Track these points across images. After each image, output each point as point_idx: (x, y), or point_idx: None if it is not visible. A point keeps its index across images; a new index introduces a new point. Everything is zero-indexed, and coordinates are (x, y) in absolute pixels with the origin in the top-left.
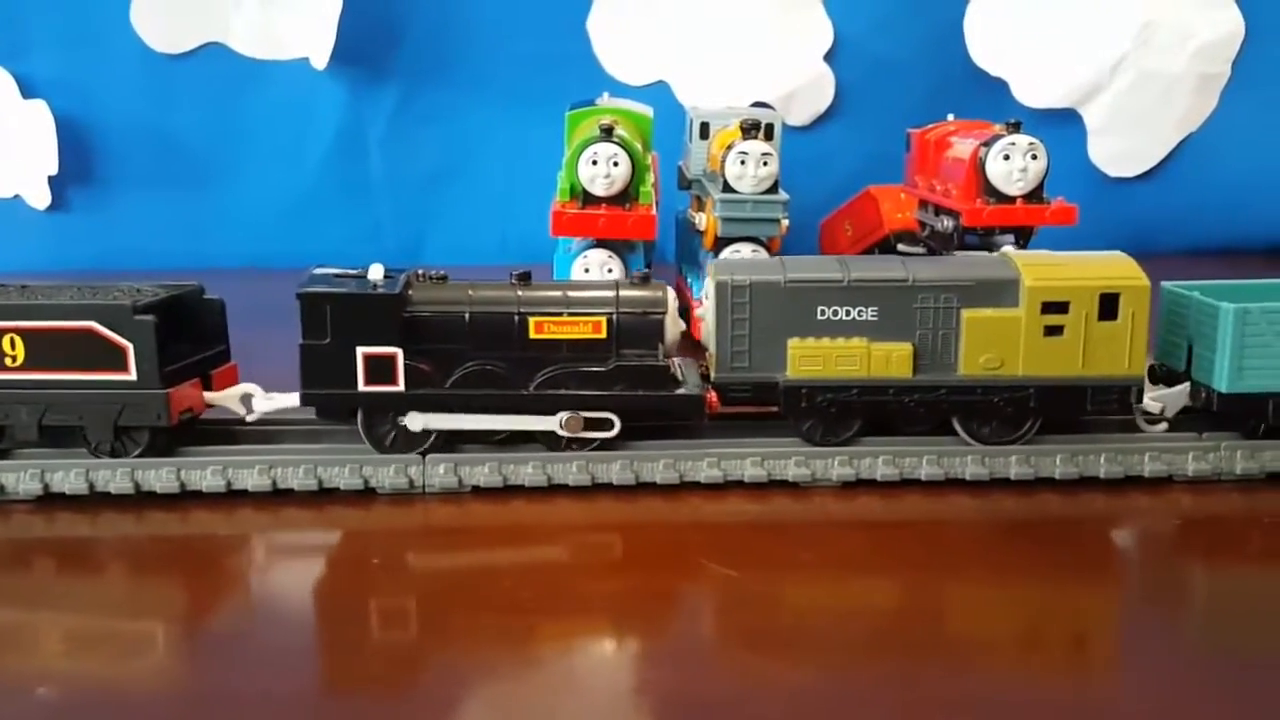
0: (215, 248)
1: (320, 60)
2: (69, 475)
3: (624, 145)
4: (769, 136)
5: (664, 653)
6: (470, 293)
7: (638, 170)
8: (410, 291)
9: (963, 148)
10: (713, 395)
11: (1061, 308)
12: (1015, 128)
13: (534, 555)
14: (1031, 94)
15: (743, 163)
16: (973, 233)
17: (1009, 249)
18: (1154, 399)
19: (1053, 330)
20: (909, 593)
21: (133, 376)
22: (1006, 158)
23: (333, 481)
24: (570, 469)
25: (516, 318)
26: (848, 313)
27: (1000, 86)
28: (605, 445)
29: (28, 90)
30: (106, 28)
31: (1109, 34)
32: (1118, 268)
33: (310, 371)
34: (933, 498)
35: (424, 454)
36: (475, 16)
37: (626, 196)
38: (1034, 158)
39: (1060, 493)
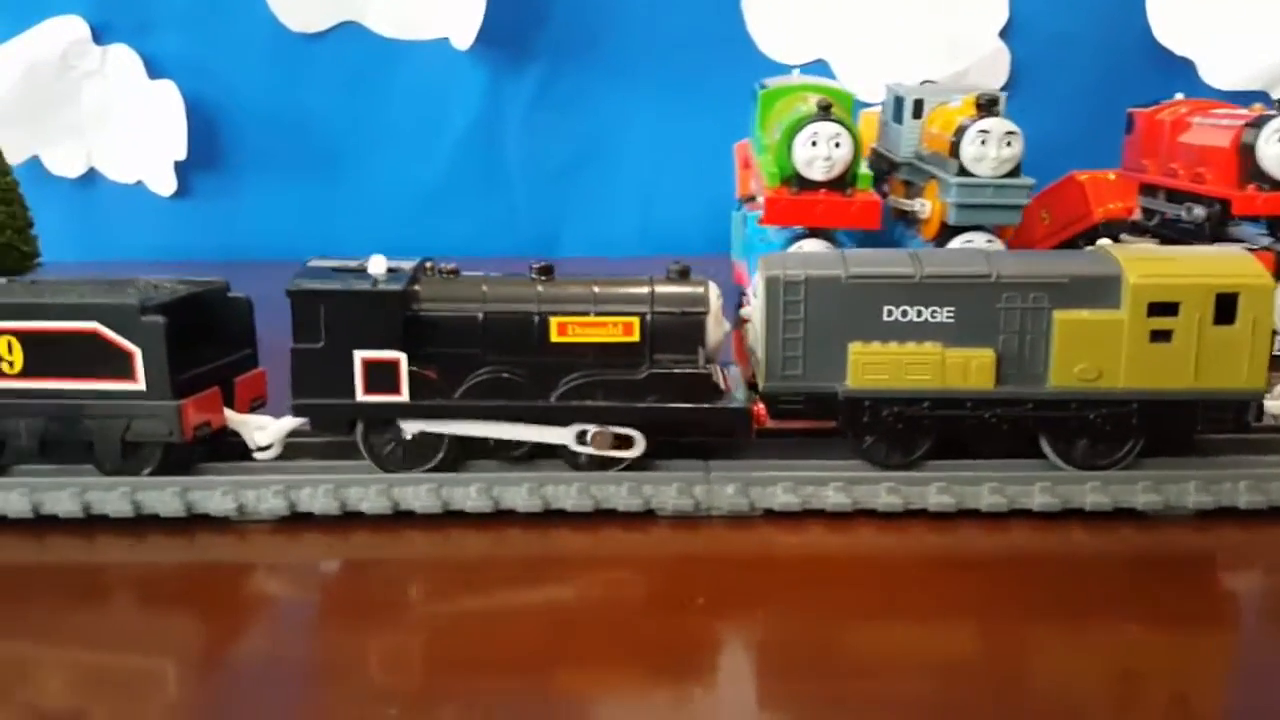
0: (345, 237)
1: (464, 40)
2: (63, 496)
3: (845, 125)
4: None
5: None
6: (484, 289)
7: (856, 152)
8: (416, 288)
9: (1214, 129)
10: (760, 408)
11: (1170, 309)
12: None
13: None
14: (1219, 75)
15: (983, 143)
16: (1232, 222)
17: (1105, 241)
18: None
19: (1160, 335)
20: (982, 642)
21: (141, 386)
22: None
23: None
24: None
25: (537, 318)
26: (919, 313)
27: (1185, 66)
28: (634, 465)
29: (155, 70)
30: (238, 4)
31: None
32: (1236, 264)
33: (303, 379)
34: (994, 531)
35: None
36: None
37: (844, 181)
38: None
39: (1140, 526)
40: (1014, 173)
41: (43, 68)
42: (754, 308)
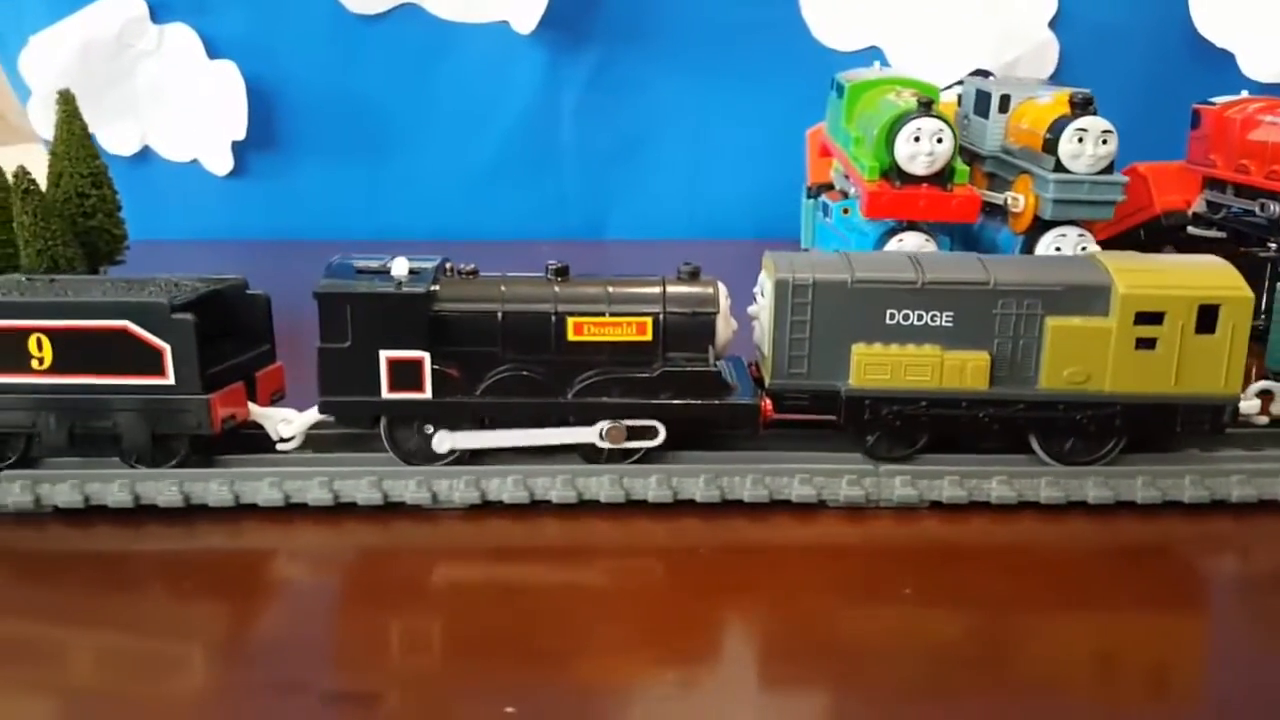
0: (397, 219)
1: (527, 24)
2: (111, 487)
3: (946, 121)
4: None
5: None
6: (503, 289)
7: (955, 147)
8: (438, 288)
9: None
10: (767, 403)
11: (1156, 318)
12: None
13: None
14: (1260, 67)
15: (1080, 140)
16: None
17: (1095, 249)
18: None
19: (1145, 343)
20: (975, 625)
21: (171, 381)
22: None
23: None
24: (604, 484)
25: (554, 317)
26: (920, 317)
27: (1225, 58)
28: (646, 457)
29: (214, 50)
30: None
31: None
32: (1218, 276)
33: (329, 377)
34: (1002, 522)
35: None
36: None
37: (943, 176)
38: None
39: (1141, 517)
40: (1108, 170)
41: (99, 46)
42: (761, 307)
